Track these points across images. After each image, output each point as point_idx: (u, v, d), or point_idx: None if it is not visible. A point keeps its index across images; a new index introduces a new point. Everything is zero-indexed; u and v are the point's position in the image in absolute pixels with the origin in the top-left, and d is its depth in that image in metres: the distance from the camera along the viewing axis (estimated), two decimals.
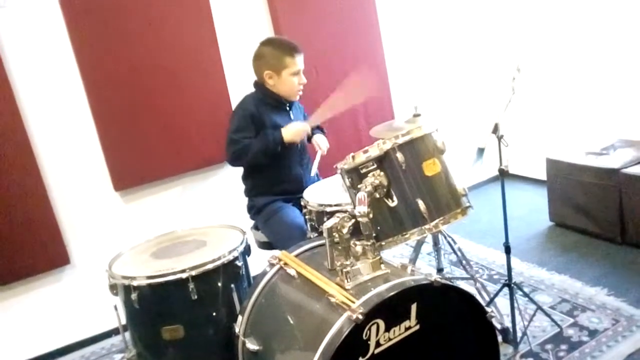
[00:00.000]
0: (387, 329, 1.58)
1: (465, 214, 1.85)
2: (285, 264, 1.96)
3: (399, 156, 1.76)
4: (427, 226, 1.77)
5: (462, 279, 2.70)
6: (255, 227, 2.70)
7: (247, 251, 2.25)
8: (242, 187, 2.73)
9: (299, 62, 2.49)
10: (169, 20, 2.95)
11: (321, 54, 3.37)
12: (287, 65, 2.46)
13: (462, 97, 4.14)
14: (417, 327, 1.63)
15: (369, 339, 1.56)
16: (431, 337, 1.67)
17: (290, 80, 2.49)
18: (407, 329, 1.61)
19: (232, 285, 2.10)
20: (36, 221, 2.75)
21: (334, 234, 1.72)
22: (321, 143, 2.65)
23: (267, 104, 2.53)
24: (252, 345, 1.84)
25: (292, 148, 2.56)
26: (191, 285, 1.98)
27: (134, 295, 2.00)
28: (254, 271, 2.30)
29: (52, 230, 2.80)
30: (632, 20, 3.30)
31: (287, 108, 2.60)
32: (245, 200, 2.70)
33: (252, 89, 2.60)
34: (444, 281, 1.65)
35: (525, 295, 2.48)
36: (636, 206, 2.97)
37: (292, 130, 2.45)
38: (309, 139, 2.72)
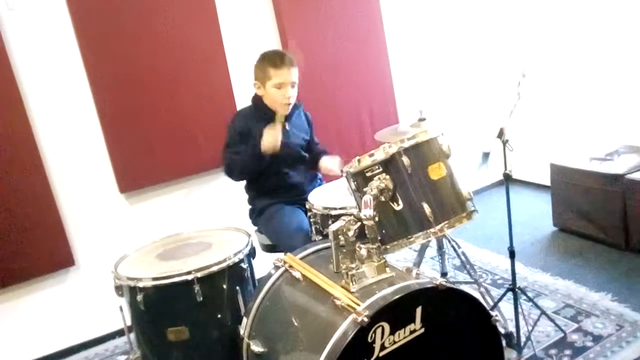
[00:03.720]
0: (392, 332, 1.58)
1: (470, 218, 1.85)
2: (290, 266, 1.96)
3: (405, 160, 1.76)
4: (432, 230, 1.78)
5: (466, 283, 2.70)
6: (260, 231, 2.71)
7: (252, 253, 2.26)
8: None
9: (283, 74, 2.43)
10: (175, 25, 2.97)
11: (326, 58, 3.39)
12: (270, 76, 2.44)
13: (468, 102, 4.15)
14: (422, 330, 1.63)
15: (373, 341, 1.56)
16: (436, 341, 1.67)
17: (274, 93, 2.45)
18: (412, 332, 1.62)
19: (237, 288, 2.10)
20: (41, 222, 2.76)
21: (339, 236, 1.73)
22: (330, 165, 2.57)
23: (259, 118, 2.50)
24: (256, 348, 1.84)
25: (292, 157, 2.54)
26: (196, 287, 1.99)
27: (139, 297, 2.00)
28: (259, 273, 2.31)
29: (57, 231, 2.81)
30: (635, 27, 3.31)
31: (282, 121, 2.52)
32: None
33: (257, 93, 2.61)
34: (449, 285, 1.66)
35: (529, 300, 2.48)
36: None
37: (265, 139, 2.38)
38: (315, 163, 2.66)
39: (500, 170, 2.26)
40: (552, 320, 2.47)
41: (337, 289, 1.73)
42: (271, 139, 2.38)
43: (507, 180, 2.25)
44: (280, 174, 2.56)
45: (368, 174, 1.80)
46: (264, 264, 2.22)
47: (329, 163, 2.60)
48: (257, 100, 2.56)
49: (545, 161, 3.55)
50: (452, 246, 2.58)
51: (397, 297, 1.59)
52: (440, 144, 1.84)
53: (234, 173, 2.53)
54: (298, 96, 2.55)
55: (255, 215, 2.65)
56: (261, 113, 2.52)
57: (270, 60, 2.46)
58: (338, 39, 3.45)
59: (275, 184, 2.56)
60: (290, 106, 2.52)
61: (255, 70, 2.51)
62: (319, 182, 2.73)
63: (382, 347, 1.57)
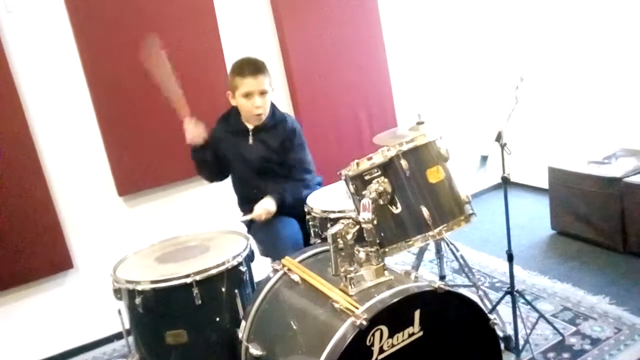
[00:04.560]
0: (391, 335, 1.58)
1: (469, 221, 1.86)
2: (289, 269, 1.96)
3: (403, 163, 1.77)
4: (430, 233, 1.78)
5: (464, 286, 2.70)
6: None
7: (250, 257, 2.26)
8: None
9: (249, 83, 2.34)
10: (175, 27, 2.97)
11: (324, 60, 3.40)
12: (237, 85, 2.37)
13: (466, 105, 4.16)
14: (421, 333, 1.63)
15: (372, 345, 1.56)
16: (434, 344, 1.67)
17: (243, 103, 2.39)
18: (410, 335, 1.62)
19: (236, 291, 2.11)
20: (40, 225, 2.76)
21: (338, 240, 1.73)
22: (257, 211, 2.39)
23: (228, 126, 2.50)
24: (255, 351, 1.84)
25: (254, 167, 2.48)
26: (195, 290, 1.99)
27: (138, 300, 2.00)
28: (257, 277, 2.30)
29: (55, 234, 2.81)
30: (633, 30, 3.32)
31: (250, 133, 2.46)
32: None
33: None
34: (447, 288, 1.66)
35: (528, 303, 2.47)
36: (638, 215, 2.97)
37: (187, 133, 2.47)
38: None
39: (498, 173, 2.26)
40: (550, 324, 2.47)
41: (335, 292, 1.73)
42: (189, 134, 2.45)
43: (505, 183, 2.26)
44: (248, 182, 2.53)
45: (367, 177, 1.81)
46: (263, 267, 2.22)
47: (257, 208, 2.39)
48: (233, 109, 2.51)
49: (543, 164, 3.56)
50: (451, 249, 2.59)
51: (395, 300, 1.59)
52: (439, 147, 1.85)
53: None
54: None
55: (246, 226, 2.61)
56: (231, 121, 2.50)
57: (238, 68, 2.39)
58: (336, 42, 3.45)
59: (247, 191, 2.55)
60: (262, 116, 2.43)
61: (228, 79, 2.46)
62: (317, 187, 2.70)
63: (381, 350, 1.58)
